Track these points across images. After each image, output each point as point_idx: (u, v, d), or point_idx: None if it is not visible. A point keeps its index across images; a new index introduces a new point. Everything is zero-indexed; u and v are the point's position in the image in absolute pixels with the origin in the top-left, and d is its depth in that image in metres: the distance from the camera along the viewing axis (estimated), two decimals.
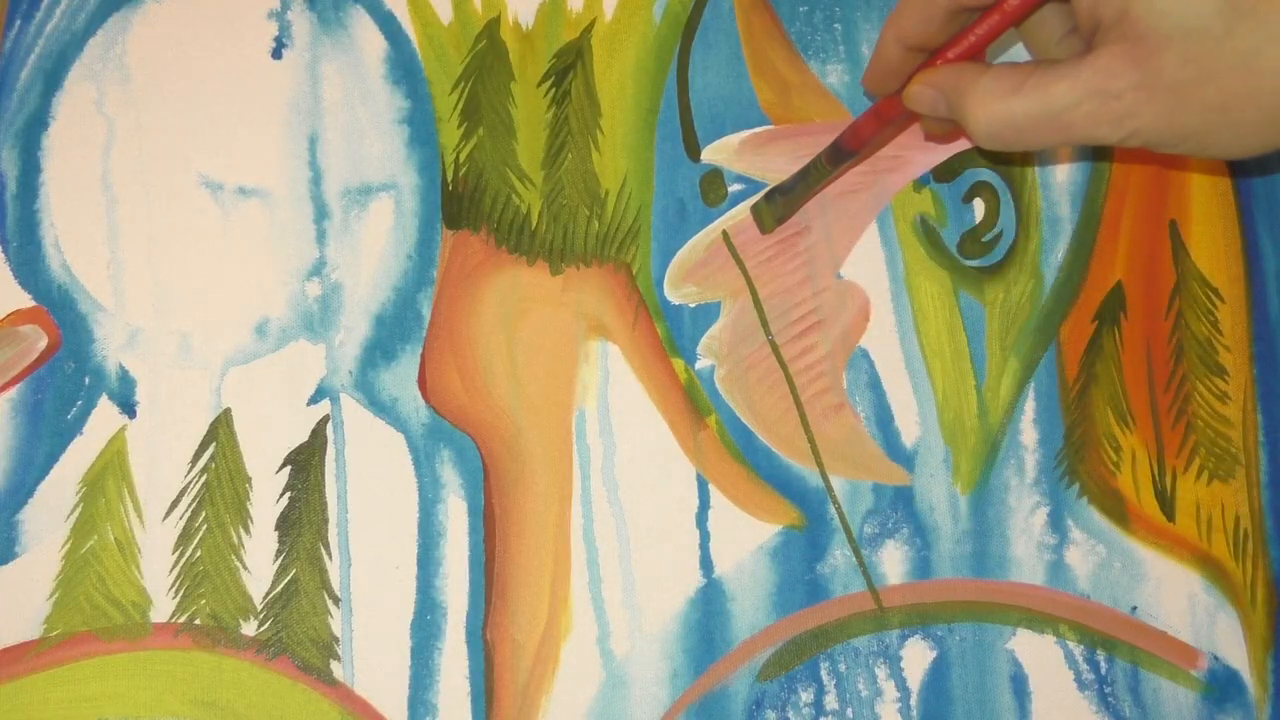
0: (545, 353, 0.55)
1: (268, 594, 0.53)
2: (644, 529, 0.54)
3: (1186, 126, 0.44)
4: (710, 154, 0.58)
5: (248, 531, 0.53)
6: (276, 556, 0.53)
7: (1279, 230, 0.59)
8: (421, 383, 0.55)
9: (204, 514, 0.53)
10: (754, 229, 0.57)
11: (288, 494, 0.54)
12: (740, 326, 0.57)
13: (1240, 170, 0.59)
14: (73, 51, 0.56)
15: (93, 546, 0.53)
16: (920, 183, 0.58)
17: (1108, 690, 0.54)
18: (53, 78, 0.56)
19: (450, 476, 0.54)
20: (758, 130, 0.58)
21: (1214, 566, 0.56)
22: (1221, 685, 0.55)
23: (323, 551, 0.53)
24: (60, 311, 0.54)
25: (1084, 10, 0.44)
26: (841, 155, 0.53)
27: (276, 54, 0.57)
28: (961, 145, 0.59)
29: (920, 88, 0.48)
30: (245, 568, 0.53)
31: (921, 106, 0.49)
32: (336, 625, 0.53)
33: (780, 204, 0.56)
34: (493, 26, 0.58)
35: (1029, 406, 0.57)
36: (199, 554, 0.53)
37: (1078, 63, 0.44)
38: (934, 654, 0.54)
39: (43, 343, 0.54)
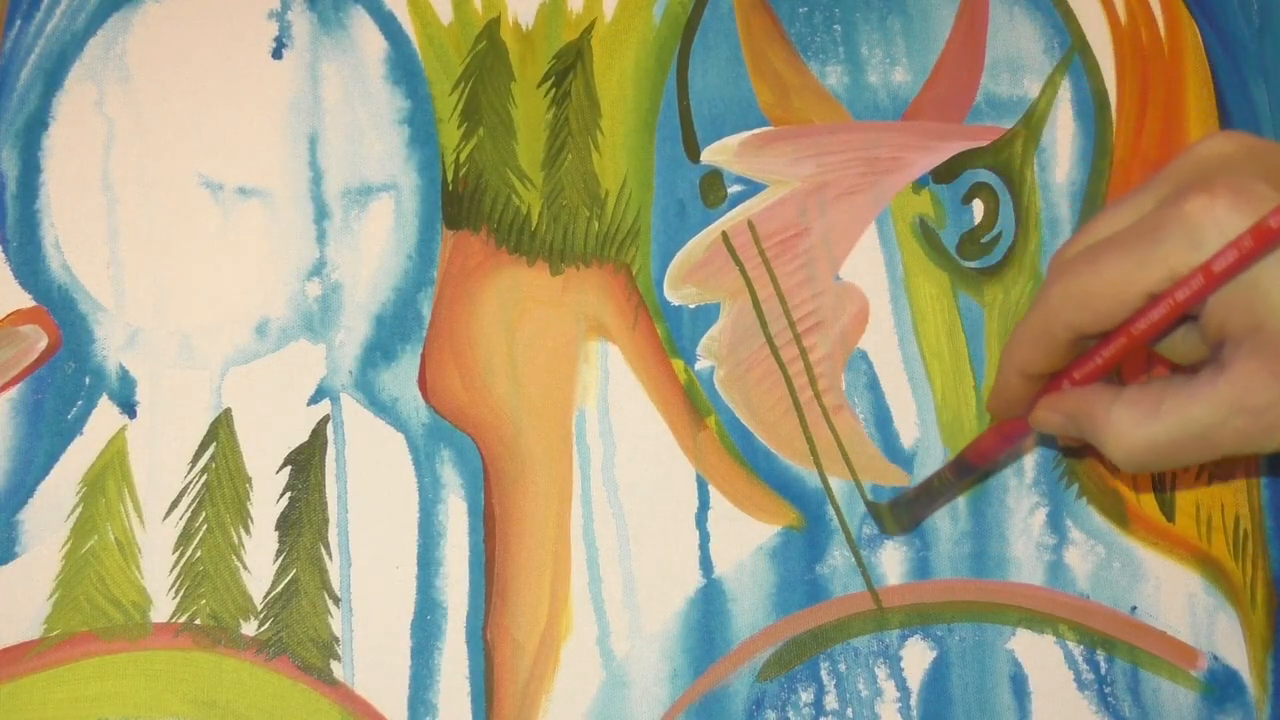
0: (545, 353, 0.56)
1: (268, 594, 0.53)
2: (644, 529, 0.54)
3: None
4: (710, 155, 0.58)
5: (248, 531, 0.53)
6: (276, 556, 0.53)
7: None
8: (421, 383, 0.55)
9: (204, 514, 0.53)
10: (749, 232, 0.57)
11: (288, 494, 0.54)
12: (740, 327, 0.57)
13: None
14: (73, 51, 0.56)
15: (93, 546, 0.52)
16: (919, 184, 0.58)
17: (1107, 690, 0.54)
18: (53, 78, 0.56)
19: (450, 476, 0.54)
20: (757, 131, 0.58)
21: (1214, 566, 0.56)
22: (1221, 685, 0.55)
23: (323, 551, 0.53)
24: (60, 311, 0.54)
25: (1212, 326, 0.42)
26: (966, 470, 0.52)
27: (276, 54, 0.57)
28: (960, 146, 0.59)
29: (1048, 414, 0.46)
30: (245, 568, 0.53)
31: (1051, 430, 0.47)
32: (336, 625, 0.53)
33: (905, 514, 0.55)
34: (493, 27, 0.58)
35: None
36: (199, 554, 0.53)
37: (1214, 379, 0.42)
38: (934, 654, 0.54)
39: (43, 343, 0.54)
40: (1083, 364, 0.45)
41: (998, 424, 0.49)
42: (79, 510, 0.53)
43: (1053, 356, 0.45)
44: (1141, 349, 0.44)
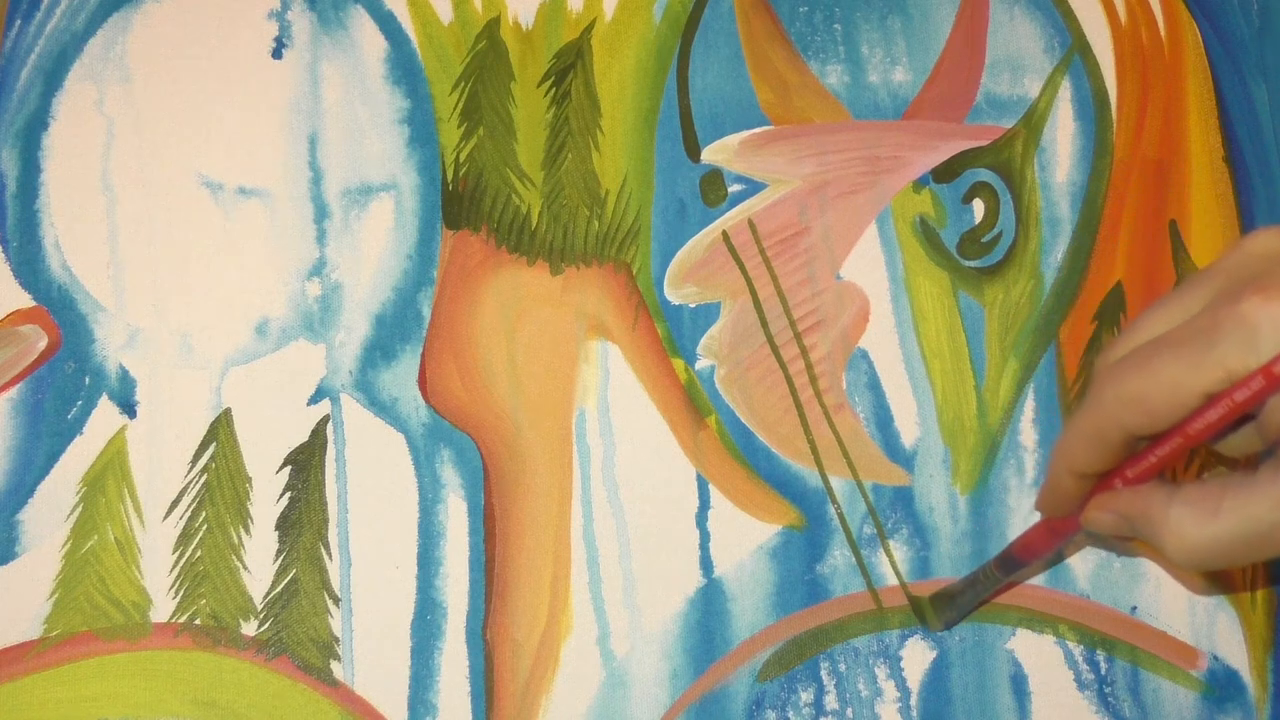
0: (545, 353, 0.55)
1: (268, 594, 0.53)
2: (644, 529, 0.54)
3: None
4: (710, 154, 0.58)
5: (248, 531, 0.53)
6: (276, 556, 0.53)
7: None
8: (421, 383, 0.55)
9: (204, 514, 0.53)
10: (749, 231, 0.57)
11: (288, 494, 0.54)
12: (740, 327, 0.57)
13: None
14: (73, 51, 0.56)
15: (93, 546, 0.53)
16: (920, 183, 0.58)
17: (1108, 690, 0.54)
18: (53, 78, 0.56)
19: (450, 476, 0.54)
20: (757, 131, 0.58)
21: None
22: (1221, 685, 0.55)
23: (323, 551, 0.53)
24: (60, 311, 0.54)
25: (1273, 424, 0.41)
26: (1013, 565, 0.51)
27: (276, 54, 0.57)
28: (961, 145, 0.59)
29: (1101, 514, 0.45)
30: (245, 568, 0.53)
31: (1103, 530, 0.46)
32: (336, 625, 0.53)
33: (948, 609, 0.54)
34: (493, 26, 0.58)
35: (1029, 407, 0.57)
36: (199, 554, 0.53)
37: (1275, 477, 0.40)
38: (934, 654, 0.54)
39: (43, 343, 0.54)
40: (1136, 463, 0.44)
41: (1047, 521, 0.48)
42: (79, 510, 0.53)
43: (1105, 457, 0.44)
44: (1196, 447, 0.43)
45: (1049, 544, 0.49)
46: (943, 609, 0.54)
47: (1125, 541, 0.47)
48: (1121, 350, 0.43)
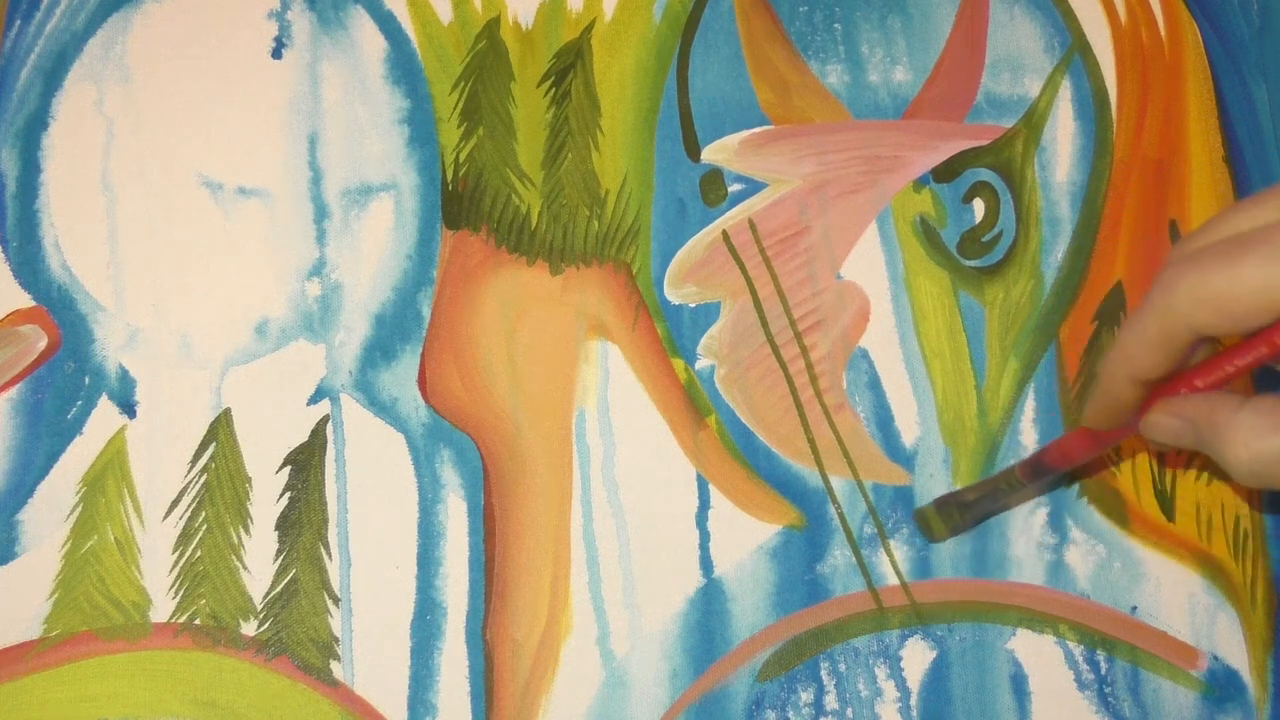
0: (545, 353, 0.55)
1: (268, 594, 0.53)
2: (644, 529, 0.54)
3: None
4: (710, 154, 0.58)
5: (248, 531, 0.53)
6: (276, 556, 0.53)
7: None
8: (421, 383, 0.55)
9: (204, 514, 0.53)
10: (749, 230, 0.57)
11: (288, 494, 0.54)
12: (740, 326, 0.57)
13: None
14: (73, 51, 0.56)
15: (93, 546, 0.53)
16: (920, 183, 0.58)
17: (1108, 690, 0.54)
18: (53, 78, 0.56)
19: (450, 476, 0.54)
20: (758, 130, 0.58)
21: (1214, 566, 0.56)
22: (1221, 685, 0.55)
23: (323, 551, 0.53)
24: (60, 311, 0.54)
25: None
26: (1042, 472, 0.49)
27: (276, 54, 0.57)
28: (961, 145, 0.59)
29: (1165, 418, 0.43)
30: (245, 568, 0.53)
31: (1164, 437, 0.44)
32: (336, 625, 0.53)
33: (958, 516, 0.53)
34: (493, 26, 0.58)
35: (1029, 406, 0.57)
36: (199, 554, 0.53)
37: None
38: (934, 654, 0.54)
39: (43, 343, 0.54)
40: (1208, 371, 0.42)
41: (1091, 430, 0.47)
42: (79, 510, 0.53)
43: (1170, 360, 0.42)
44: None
45: (1089, 450, 0.47)
46: (951, 516, 0.53)
47: (1173, 452, 0.45)
48: (1200, 244, 0.40)
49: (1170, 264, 0.41)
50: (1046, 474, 0.49)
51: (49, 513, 0.53)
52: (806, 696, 0.54)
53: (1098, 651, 0.55)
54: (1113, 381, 0.44)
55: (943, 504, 0.54)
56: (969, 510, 0.53)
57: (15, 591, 0.52)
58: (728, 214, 0.57)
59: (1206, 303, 0.39)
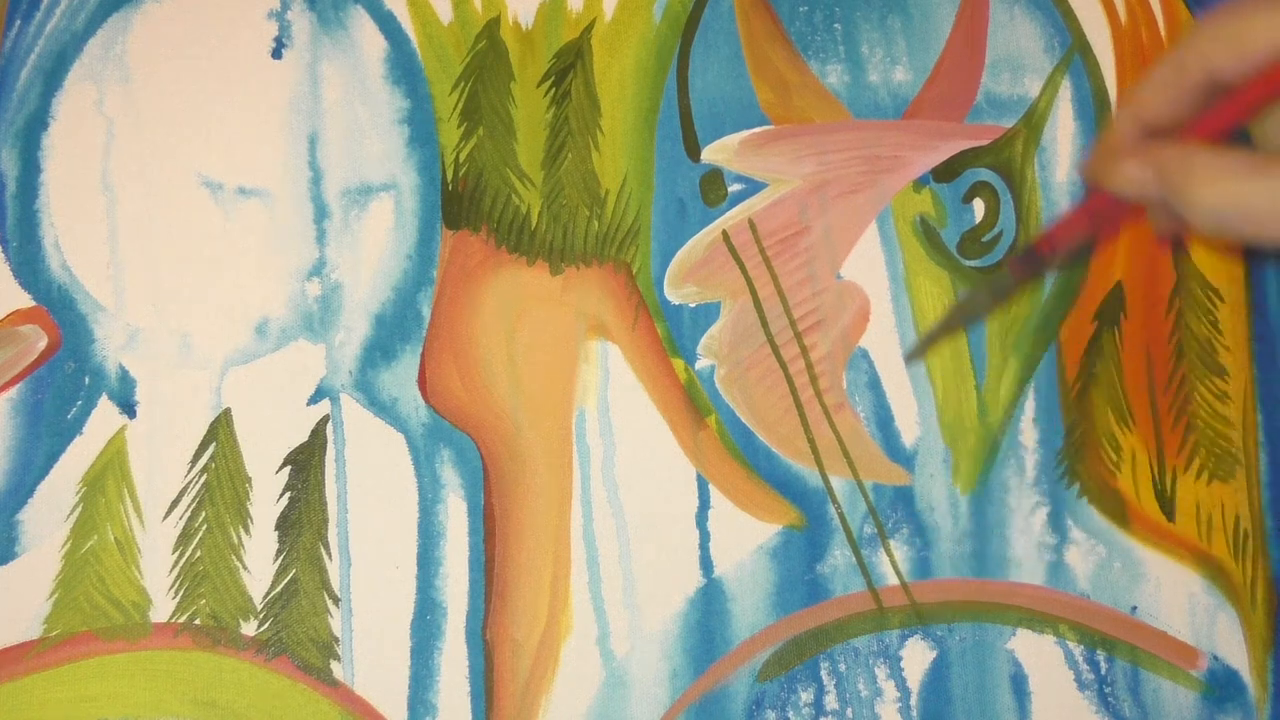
0: (545, 353, 0.55)
1: (268, 594, 0.53)
2: (644, 529, 0.54)
3: None
4: (710, 154, 0.58)
5: (248, 531, 0.53)
6: (276, 556, 0.53)
7: None
8: (421, 383, 0.55)
9: (204, 514, 0.53)
10: (749, 230, 0.57)
11: (288, 494, 0.54)
12: (740, 326, 0.57)
13: None
14: (73, 51, 0.56)
15: (93, 546, 0.53)
16: (920, 183, 0.58)
17: (1108, 690, 0.54)
18: (53, 78, 0.56)
19: (450, 476, 0.54)
20: (758, 130, 0.58)
21: (1214, 566, 0.56)
22: (1221, 685, 0.55)
23: (323, 551, 0.53)
24: (60, 311, 0.54)
25: None
26: (1034, 262, 0.49)
27: (276, 54, 0.57)
28: (961, 145, 0.59)
29: (1135, 165, 0.44)
30: (245, 568, 0.53)
31: (1134, 188, 0.44)
32: (336, 625, 0.53)
33: (932, 338, 0.54)
34: (493, 26, 0.58)
35: (1029, 406, 0.57)
36: (199, 554, 0.53)
37: None
38: (934, 654, 0.54)
39: (43, 343, 0.54)
40: (1207, 121, 0.43)
41: (1083, 204, 0.47)
42: (79, 510, 0.53)
43: (1177, 101, 0.43)
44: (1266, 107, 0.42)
45: (1083, 228, 0.47)
46: (938, 326, 0.54)
47: (1171, 219, 0.44)
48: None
49: (1195, 24, 0.44)
50: (1038, 263, 0.49)
51: (49, 513, 0.53)
52: (806, 696, 0.54)
53: (1098, 651, 0.55)
54: (1120, 124, 0.45)
55: (926, 339, 0.54)
56: (946, 321, 0.54)
57: (15, 591, 0.52)
58: (728, 214, 0.57)
59: (1220, 39, 0.41)
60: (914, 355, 0.55)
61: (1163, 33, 0.60)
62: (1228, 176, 0.41)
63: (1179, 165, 0.42)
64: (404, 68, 0.57)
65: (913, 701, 0.54)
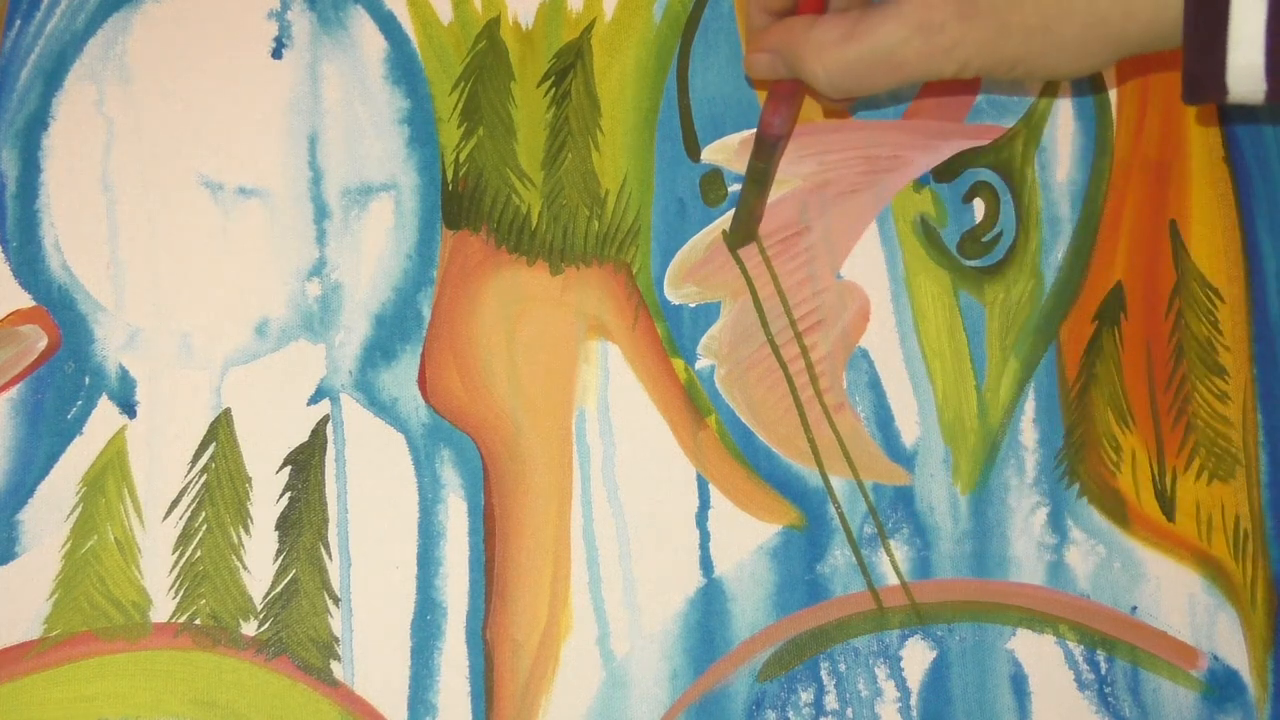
0: (545, 353, 0.55)
1: (268, 594, 0.53)
2: (644, 529, 0.54)
3: (1012, 52, 0.46)
4: (710, 154, 0.58)
5: (248, 531, 0.53)
6: (276, 556, 0.53)
7: (1279, 230, 0.59)
8: (421, 383, 0.55)
9: (204, 514, 0.53)
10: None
11: (288, 494, 0.54)
12: (740, 326, 0.57)
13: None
14: (73, 51, 0.56)
15: (93, 546, 0.53)
16: (920, 183, 0.58)
17: (1108, 690, 0.54)
18: (53, 78, 0.56)
19: (450, 476, 0.54)
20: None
21: (1214, 566, 0.56)
22: (1221, 685, 0.55)
23: (323, 551, 0.53)
24: (60, 311, 0.54)
25: None
26: (764, 146, 0.53)
27: (276, 54, 0.57)
28: (961, 145, 0.59)
29: (756, 54, 0.50)
30: (245, 568, 0.53)
31: (764, 73, 0.50)
32: (336, 625, 0.53)
33: (740, 221, 0.56)
34: (493, 26, 0.58)
35: (1029, 406, 0.57)
36: (199, 554, 0.53)
37: (899, 3, 0.46)
38: (934, 654, 0.54)
39: (43, 343, 0.54)
40: None
41: (770, 89, 0.52)
42: (79, 510, 0.53)
43: None
44: None
45: (774, 109, 0.52)
46: (738, 227, 0.56)
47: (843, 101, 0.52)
48: None
49: None
50: (768, 147, 0.53)
51: (49, 513, 0.53)
52: (806, 696, 0.54)
53: (1098, 651, 0.55)
54: (752, 18, 0.51)
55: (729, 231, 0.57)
56: (741, 211, 0.56)
57: (15, 591, 0.52)
58: (728, 214, 0.57)
59: None
60: (734, 240, 0.57)
61: None
62: (828, 47, 0.47)
63: (788, 47, 0.49)
64: (404, 68, 0.57)
65: (913, 701, 0.54)
